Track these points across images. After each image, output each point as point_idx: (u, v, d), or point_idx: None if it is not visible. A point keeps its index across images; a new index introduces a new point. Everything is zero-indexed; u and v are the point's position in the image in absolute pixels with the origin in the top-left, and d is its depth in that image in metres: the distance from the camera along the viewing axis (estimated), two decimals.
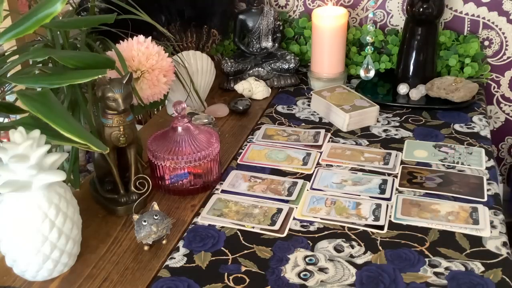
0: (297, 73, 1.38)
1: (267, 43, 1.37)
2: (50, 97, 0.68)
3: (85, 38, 0.92)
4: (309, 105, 1.26)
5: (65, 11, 1.07)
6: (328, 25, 1.27)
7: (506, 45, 1.34)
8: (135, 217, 0.81)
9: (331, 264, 0.78)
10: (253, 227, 0.86)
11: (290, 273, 0.77)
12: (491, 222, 0.85)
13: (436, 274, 0.76)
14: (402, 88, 1.26)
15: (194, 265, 0.79)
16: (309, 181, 0.97)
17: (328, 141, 1.10)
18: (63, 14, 1.04)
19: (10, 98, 0.97)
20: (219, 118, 1.20)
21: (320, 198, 0.92)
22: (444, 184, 0.95)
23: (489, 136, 1.11)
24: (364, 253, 0.80)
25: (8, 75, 0.84)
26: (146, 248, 0.82)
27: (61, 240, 0.74)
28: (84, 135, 0.66)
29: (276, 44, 1.38)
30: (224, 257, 0.80)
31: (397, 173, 0.99)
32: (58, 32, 0.90)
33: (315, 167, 1.01)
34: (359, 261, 0.79)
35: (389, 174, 0.98)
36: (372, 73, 1.31)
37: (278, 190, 0.95)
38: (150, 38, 0.97)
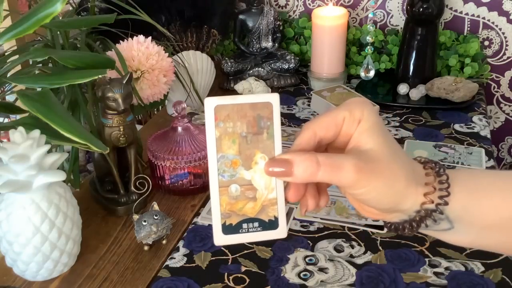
0: (297, 73, 1.38)
1: (267, 43, 1.37)
2: (50, 97, 0.68)
3: (85, 38, 0.92)
4: (309, 105, 1.26)
5: (65, 11, 1.07)
6: (328, 25, 1.27)
7: (506, 45, 1.34)
8: (135, 217, 0.81)
9: (331, 264, 0.78)
10: None
11: (290, 273, 0.77)
12: None
13: (436, 274, 0.76)
14: (402, 88, 1.26)
15: (194, 265, 0.79)
16: None
17: None
18: (63, 14, 1.04)
19: (10, 98, 0.97)
20: None
21: None
22: None
23: (489, 136, 1.11)
24: (364, 253, 0.80)
25: (8, 75, 0.84)
26: (146, 248, 0.82)
27: (61, 240, 0.74)
28: (84, 135, 0.66)
29: (276, 44, 1.38)
30: (224, 257, 0.80)
31: None
32: (58, 32, 0.90)
33: None
34: (359, 261, 0.79)
35: None
36: (372, 73, 1.31)
37: None
38: (150, 38, 0.97)
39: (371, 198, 0.43)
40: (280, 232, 0.44)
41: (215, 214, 0.43)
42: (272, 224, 0.44)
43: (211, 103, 0.43)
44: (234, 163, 0.44)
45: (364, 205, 0.46)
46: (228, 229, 0.44)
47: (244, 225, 0.44)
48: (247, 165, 0.44)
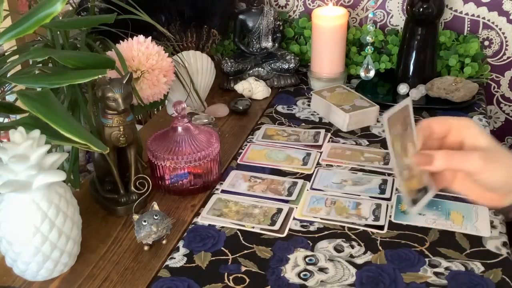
0: (297, 73, 1.38)
1: (267, 43, 1.37)
2: (50, 97, 0.68)
3: (85, 38, 0.92)
4: (309, 105, 1.26)
5: (65, 11, 1.07)
6: (328, 25, 1.27)
7: (506, 45, 1.34)
8: (135, 217, 0.81)
9: (331, 264, 0.78)
10: (253, 227, 0.86)
11: (290, 273, 0.77)
12: (491, 222, 0.85)
13: (436, 274, 0.76)
14: (402, 88, 1.26)
15: (194, 265, 0.79)
16: (309, 181, 0.97)
17: (328, 141, 1.10)
18: (63, 14, 1.04)
19: (10, 98, 0.97)
20: (219, 118, 1.20)
21: (320, 198, 0.92)
22: None
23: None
24: (364, 253, 0.80)
25: (8, 75, 0.84)
26: (146, 248, 0.82)
27: (61, 240, 0.74)
28: (84, 135, 0.66)
29: (276, 44, 1.38)
30: (224, 257, 0.80)
31: None
32: (58, 32, 0.90)
33: (315, 167, 1.01)
34: (359, 261, 0.79)
35: (389, 174, 0.98)
36: (372, 73, 1.31)
37: (278, 190, 0.95)
38: (150, 38, 0.97)
39: (494, 180, 0.58)
40: (432, 193, 0.64)
41: (404, 195, 0.62)
42: (426, 189, 0.64)
43: (386, 117, 0.60)
44: (402, 155, 0.61)
45: (485, 192, 0.60)
46: (414, 202, 0.62)
47: (419, 195, 0.63)
48: (405, 154, 0.61)
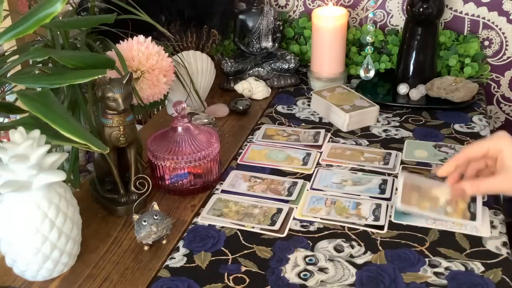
0: (297, 73, 1.38)
1: (267, 43, 1.37)
2: (50, 97, 0.68)
3: (85, 38, 0.92)
4: (309, 105, 1.26)
5: (65, 11, 1.07)
6: (328, 25, 1.27)
7: (506, 45, 1.34)
8: (135, 217, 0.81)
9: (331, 264, 0.78)
10: (253, 227, 0.86)
11: (290, 273, 0.77)
12: (491, 222, 0.85)
13: (436, 274, 0.76)
14: (402, 88, 1.26)
15: (194, 265, 0.79)
16: (309, 181, 0.97)
17: (328, 141, 1.10)
18: (63, 14, 1.04)
19: (10, 98, 0.97)
20: (219, 118, 1.20)
21: (320, 198, 0.92)
22: None
23: (489, 136, 1.11)
24: (364, 253, 0.80)
25: (8, 75, 0.84)
26: (146, 248, 0.82)
27: (61, 240, 0.74)
28: (84, 135, 0.66)
29: (276, 44, 1.38)
30: (224, 257, 0.80)
31: (397, 173, 0.99)
32: (58, 32, 0.90)
33: (315, 167, 1.01)
34: (359, 261, 0.79)
35: (389, 174, 0.98)
36: (372, 73, 1.31)
37: (278, 190, 0.95)
38: (150, 38, 0.97)
39: None
40: (479, 199, 0.85)
41: (463, 222, 0.83)
42: (474, 199, 0.85)
43: (400, 206, 0.82)
44: (434, 204, 0.83)
45: None
46: (472, 218, 0.83)
47: (472, 209, 0.84)
48: (437, 200, 0.83)
